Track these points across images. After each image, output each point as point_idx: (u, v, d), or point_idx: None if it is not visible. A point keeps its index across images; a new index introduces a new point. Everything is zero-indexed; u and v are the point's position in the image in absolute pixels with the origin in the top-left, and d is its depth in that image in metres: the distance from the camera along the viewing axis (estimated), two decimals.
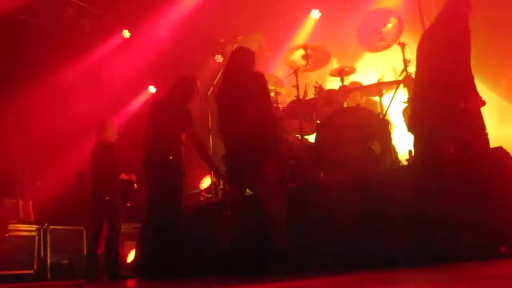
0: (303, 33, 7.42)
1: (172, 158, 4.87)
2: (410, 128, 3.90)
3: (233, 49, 4.59)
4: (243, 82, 4.36)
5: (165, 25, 7.70)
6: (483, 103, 3.67)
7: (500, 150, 3.91)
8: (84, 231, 7.29)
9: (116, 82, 8.21)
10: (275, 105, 5.67)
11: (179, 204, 4.93)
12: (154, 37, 7.93)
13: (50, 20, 7.46)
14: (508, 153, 4.10)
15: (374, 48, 5.80)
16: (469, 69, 3.71)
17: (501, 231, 3.40)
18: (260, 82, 4.39)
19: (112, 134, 6.13)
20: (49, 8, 7.35)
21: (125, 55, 8.18)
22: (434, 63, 3.83)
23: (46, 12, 7.35)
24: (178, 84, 5.08)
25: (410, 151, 4.49)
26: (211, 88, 6.50)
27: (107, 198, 5.85)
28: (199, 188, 6.97)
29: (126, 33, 8.25)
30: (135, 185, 6.20)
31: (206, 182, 6.74)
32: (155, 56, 8.08)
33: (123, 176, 6.06)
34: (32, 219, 7.52)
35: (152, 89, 8.91)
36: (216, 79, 6.21)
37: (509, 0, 5.88)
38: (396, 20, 5.57)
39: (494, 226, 3.45)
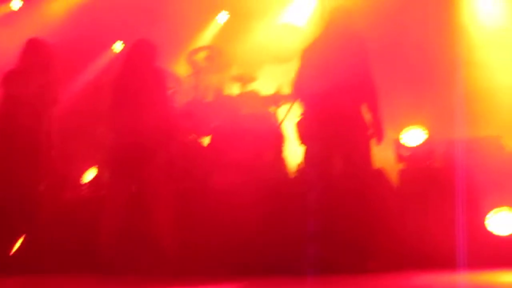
0: (208, 34, 7.37)
1: None
2: (302, 140, 4.04)
3: (136, 40, 4.41)
4: (142, 75, 4.23)
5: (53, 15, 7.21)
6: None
7: (381, 170, 4.22)
8: None
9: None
10: (171, 103, 5.55)
11: None
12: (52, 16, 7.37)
13: None
14: (387, 175, 4.45)
15: (276, 60, 5.95)
16: (368, 88, 3.90)
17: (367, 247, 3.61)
18: (159, 77, 4.30)
19: None
20: None
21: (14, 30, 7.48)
22: (328, 78, 3.93)
23: None
24: None
25: (298, 164, 4.66)
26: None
27: None
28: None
29: (15, 4, 7.55)
30: None
31: (89, 175, 6.37)
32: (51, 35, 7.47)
33: None
34: None
35: None
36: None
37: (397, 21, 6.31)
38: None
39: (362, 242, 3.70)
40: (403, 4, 6.29)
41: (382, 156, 5.04)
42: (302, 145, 4.08)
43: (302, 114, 4.08)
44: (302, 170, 4.44)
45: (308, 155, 4.02)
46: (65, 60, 7.73)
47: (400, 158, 5.01)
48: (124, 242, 4.08)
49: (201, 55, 5.60)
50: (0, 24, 7.51)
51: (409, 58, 6.22)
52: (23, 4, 7.53)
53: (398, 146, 5.05)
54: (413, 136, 5.00)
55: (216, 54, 5.56)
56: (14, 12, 7.58)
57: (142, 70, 4.26)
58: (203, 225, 4.24)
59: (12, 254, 4.50)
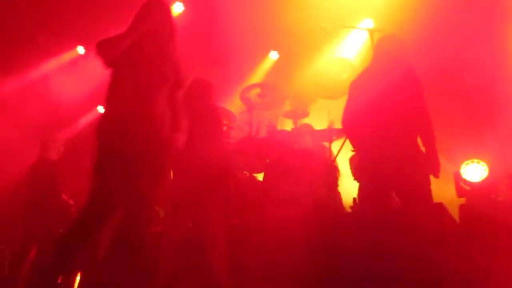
0: (260, 72, 7.54)
1: None
2: (355, 176, 3.97)
3: (192, 78, 4.57)
4: (198, 112, 4.35)
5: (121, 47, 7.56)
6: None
7: (440, 205, 4.07)
8: (7, 250, 6.84)
9: (65, 99, 7.96)
10: (226, 139, 5.66)
11: None
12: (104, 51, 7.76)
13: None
14: (447, 210, 4.27)
15: (328, 95, 5.97)
16: (422, 119, 3.75)
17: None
18: (215, 114, 4.40)
19: (56, 151, 5.86)
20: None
21: (77, 72, 7.97)
22: (382, 111, 3.79)
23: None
24: None
25: (354, 199, 4.58)
26: None
27: (41, 219, 5.54)
28: None
29: (80, 50, 8.07)
30: (72, 209, 5.91)
31: None
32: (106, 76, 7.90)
33: (63, 196, 5.78)
34: None
35: (101, 109, 8.69)
36: None
37: (455, 58, 6.20)
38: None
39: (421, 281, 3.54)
40: (460, 30, 6.18)
41: (442, 191, 4.89)
42: (356, 180, 4.02)
43: (354, 149, 4.01)
44: (357, 205, 4.36)
45: (362, 191, 3.93)
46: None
47: (461, 192, 4.83)
48: (181, 278, 4.13)
49: (254, 92, 5.71)
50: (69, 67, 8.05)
51: (468, 89, 6.07)
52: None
53: (458, 179, 4.89)
54: (474, 169, 4.84)
55: (269, 91, 5.65)
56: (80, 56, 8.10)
57: (198, 108, 4.37)
58: (257, 262, 4.22)
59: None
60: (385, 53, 3.93)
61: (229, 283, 4.00)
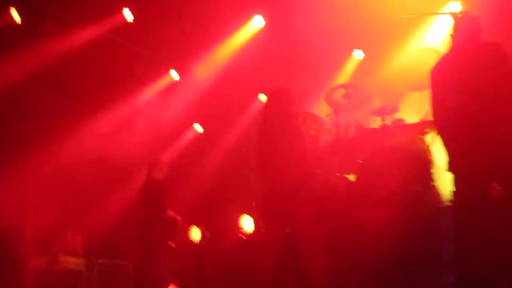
0: (346, 73, 7.47)
1: None
2: (450, 167, 3.76)
3: (271, 89, 4.69)
4: (276, 121, 4.43)
5: (211, 65, 7.95)
6: None
7: None
8: (130, 266, 7.41)
9: (165, 121, 8.50)
10: (316, 143, 5.68)
11: None
12: (202, 76, 8.20)
13: (104, 64, 7.85)
14: None
15: (418, 86, 5.74)
16: None
17: None
18: (291, 121, 4.46)
19: (162, 171, 6.31)
20: (103, 52, 7.73)
21: (173, 95, 8.49)
22: (470, 96, 3.58)
23: (100, 55, 7.74)
24: None
25: (451, 192, 4.34)
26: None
27: (153, 234, 5.97)
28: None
29: (174, 74, 8.57)
30: (179, 225, 6.29)
31: (245, 220, 6.76)
32: (202, 95, 8.35)
33: (170, 213, 6.18)
34: (80, 252, 7.73)
35: (198, 127, 9.14)
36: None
37: None
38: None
39: None
40: None
41: None
42: (451, 171, 3.81)
43: (446, 135, 3.80)
44: (455, 198, 4.13)
45: (458, 182, 3.72)
46: (217, 115, 8.58)
47: None
48: (280, 283, 4.22)
49: (339, 93, 5.67)
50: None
51: None
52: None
53: None
54: None
55: (354, 91, 5.58)
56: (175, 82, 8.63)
57: (276, 118, 4.46)
58: (355, 264, 4.18)
59: None
60: (465, 35, 3.72)
61: (327, 285, 4.00)
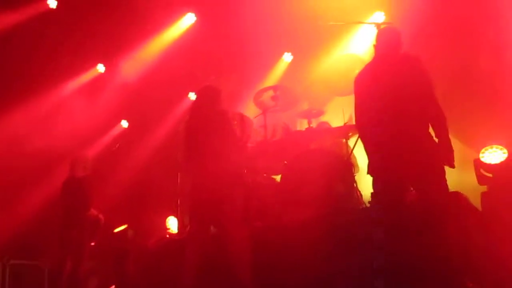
0: (275, 75, 7.60)
1: None
2: (369, 170, 3.95)
3: (200, 87, 4.68)
4: (208, 118, 4.43)
5: (140, 61, 7.79)
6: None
7: (458, 194, 4.02)
8: (45, 266, 7.08)
9: (90, 115, 8.21)
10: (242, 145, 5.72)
11: None
12: (130, 71, 8.00)
13: (26, 53, 7.46)
14: (466, 198, 4.22)
15: (342, 92, 5.96)
16: (433, 110, 3.69)
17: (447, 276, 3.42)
18: (225, 119, 4.46)
19: (85, 168, 6.09)
20: (23, 40, 7.34)
21: (100, 90, 8.21)
22: (389, 104, 3.76)
23: (20, 44, 7.34)
24: None
25: (372, 194, 4.55)
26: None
27: (74, 233, 5.75)
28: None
29: (101, 68, 8.30)
30: (102, 224, 6.10)
31: (171, 221, 6.70)
32: (129, 90, 8.16)
33: (92, 211, 5.98)
34: None
35: (124, 123, 8.91)
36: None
37: (469, 46, 6.12)
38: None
39: (452, 269, 3.50)
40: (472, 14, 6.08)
41: (463, 179, 4.83)
42: (371, 175, 4.00)
43: (367, 141, 3.98)
44: (374, 200, 4.34)
45: (377, 184, 3.92)
46: (144, 112, 8.41)
47: (482, 180, 4.76)
48: (205, 281, 4.21)
49: (267, 95, 5.76)
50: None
51: (484, 76, 5.96)
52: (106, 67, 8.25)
53: (479, 167, 4.82)
54: (494, 156, 4.76)
55: (282, 93, 5.69)
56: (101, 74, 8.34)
57: (208, 115, 4.46)
58: (280, 263, 4.27)
59: None
60: (387, 46, 3.92)
61: (253, 285, 4.05)
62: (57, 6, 7.23)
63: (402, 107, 3.74)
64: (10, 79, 7.44)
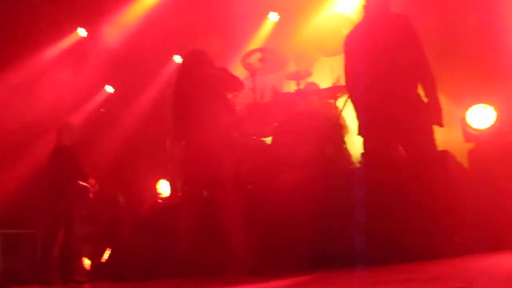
0: (261, 36, 7.50)
1: None
2: (359, 131, 3.98)
3: (187, 51, 4.60)
4: (195, 82, 4.38)
5: (122, 25, 7.61)
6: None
7: (445, 153, 4.08)
8: (37, 235, 7.11)
9: (73, 82, 8.06)
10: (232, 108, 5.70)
11: None
12: (112, 36, 7.83)
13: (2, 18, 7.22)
14: (453, 156, 4.29)
15: (330, 52, 5.92)
16: (422, 69, 3.72)
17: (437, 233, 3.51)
18: (212, 81, 4.42)
19: (72, 136, 6.03)
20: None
21: (82, 55, 8.04)
22: (379, 64, 3.78)
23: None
24: None
25: (362, 154, 4.60)
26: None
27: (65, 202, 5.75)
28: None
29: (82, 32, 8.10)
30: (91, 192, 6.09)
31: (162, 184, 6.71)
32: (113, 56, 8.00)
33: (81, 178, 5.96)
34: None
35: (109, 88, 8.79)
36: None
37: (456, 3, 6.07)
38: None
39: (440, 226, 3.59)
40: None
41: (449, 137, 4.88)
42: (361, 135, 4.03)
43: (356, 101, 4.00)
44: (364, 159, 4.39)
45: (367, 144, 3.96)
46: (129, 78, 8.28)
47: (468, 137, 4.82)
48: (199, 245, 4.27)
49: (255, 57, 5.70)
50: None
51: (471, 34, 5.95)
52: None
53: (465, 125, 4.87)
54: (481, 114, 4.79)
55: (269, 55, 5.64)
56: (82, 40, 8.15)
57: (194, 77, 4.41)
58: (270, 223, 4.34)
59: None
60: (376, 6, 3.89)
61: (245, 249, 4.11)
62: None
63: (392, 67, 3.75)
64: None
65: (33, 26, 7.53)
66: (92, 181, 6.03)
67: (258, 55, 5.67)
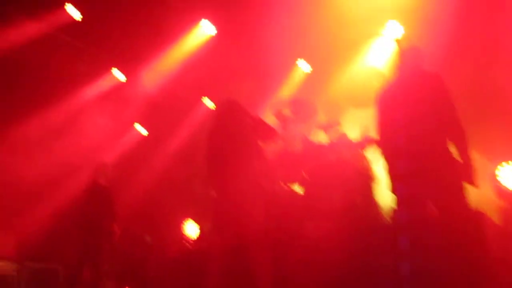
0: (291, 83, 7.66)
1: None
2: (392, 188, 4.01)
3: (222, 99, 4.76)
4: (230, 131, 4.50)
5: (159, 71, 7.87)
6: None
7: (477, 211, 4.07)
8: (61, 270, 7.18)
9: (108, 123, 8.31)
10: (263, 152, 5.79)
11: None
12: (148, 81, 8.10)
13: (43, 60, 7.55)
14: (485, 215, 4.27)
15: (360, 104, 6.02)
16: (454, 128, 3.78)
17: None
18: (245, 129, 4.53)
19: (106, 175, 6.20)
20: (42, 48, 7.42)
21: (118, 97, 8.32)
22: (412, 122, 3.86)
23: (39, 52, 7.42)
24: None
25: (390, 207, 4.61)
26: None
27: (96, 240, 5.86)
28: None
29: (119, 75, 8.39)
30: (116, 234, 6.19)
31: (189, 226, 6.78)
32: (147, 98, 8.25)
33: (112, 217, 6.07)
34: (12, 255, 7.39)
35: (141, 129, 9.00)
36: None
37: (487, 59, 6.15)
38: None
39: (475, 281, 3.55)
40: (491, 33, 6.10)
41: (480, 194, 4.86)
42: (392, 187, 4.06)
43: (389, 157, 4.05)
44: (394, 213, 4.40)
45: (399, 201, 3.98)
46: (161, 119, 8.50)
47: (500, 194, 4.80)
48: None
49: (286, 107, 5.82)
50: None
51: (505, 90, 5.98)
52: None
53: (497, 181, 4.86)
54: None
55: (300, 105, 5.76)
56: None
57: (231, 128, 4.53)
58: (299, 274, 4.34)
59: None
60: (409, 66, 4.02)
61: None
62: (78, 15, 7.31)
63: (424, 125, 3.81)
64: (29, 87, 7.55)
65: (72, 69, 7.88)
66: (116, 226, 6.14)
67: (289, 105, 5.79)
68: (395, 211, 4.14)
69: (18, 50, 6.95)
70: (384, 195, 5.34)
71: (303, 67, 7.68)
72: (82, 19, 7.17)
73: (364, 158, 5.55)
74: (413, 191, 3.83)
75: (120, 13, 7.15)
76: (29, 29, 6.95)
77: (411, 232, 3.78)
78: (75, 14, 7.17)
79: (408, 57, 4.07)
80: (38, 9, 6.91)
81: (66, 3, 7.05)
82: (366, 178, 5.06)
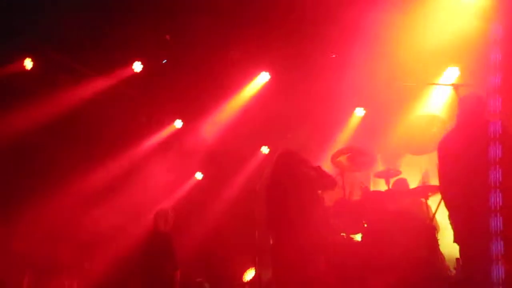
0: (348, 130, 7.71)
1: None
2: (456, 239, 3.93)
3: (280, 151, 4.89)
4: (291, 181, 4.60)
5: (217, 122, 8.14)
6: None
7: None
8: None
9: (167, 169, 8.60)
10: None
11: None
12: (207, 131, 8.38)
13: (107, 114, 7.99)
14: None
15: (419, 151, 5.96)
16: None
17: None
18: (306, 181, 4.62)
19: (168, 222, 6.36)
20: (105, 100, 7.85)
21: (177, 145, 8.63)
22: (474, 173, 3.82)
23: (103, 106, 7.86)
24: None
25: (457, 260, 4.48)
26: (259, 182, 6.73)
27: (157, 285, 5.98)
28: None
29: (178, 124, 8.74)
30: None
31: (249, 274, 6.80)
32: (205, 146, 8.51)
33: (173, 264, 6.21)
34: None
35: (199, 175, 9.24)
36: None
37: None
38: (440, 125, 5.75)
39: None
40: None
41: None
42: (458, 242, 3.98)
43: (454, 212, 4.00)
44: (462, 267, 4.28)
45: (465, 253, 3.89)
46: (219, 166, 8.72)
47: None
48: None
49: (344, 155, 5.86)
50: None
51: None
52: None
53: None
54: None
55: (358, 154, 5.78)
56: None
57: (292, 178, 4.64)
58: None
59: None
60: (468, 114, 4.01)
61: None
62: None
63: (486, 175, 3.74)
64: (93, 138, 7.99)
65: (133, 120, 8.31)
66: (177, 273, 6.24)
67: (347, 153, 5.83)
68: (460, 263, 4.04)
69: (85, 104, 7.40)
70: (448, 245, 5.20)
71: (361, 114, 7.73)
72: (144, 72, 7.58)
73: (426, 206, 5.45)
74: (479, 243, 3.73)
75: (182, 66, 7.54)
76: (97, 85, 7.41)
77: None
78: (139, 67, 7.59)
79: (468, 104, 4.07)
80: (107, 66, 7.39)
81: (136, 61, 7.49)
82: (429, 228, 4.94)
